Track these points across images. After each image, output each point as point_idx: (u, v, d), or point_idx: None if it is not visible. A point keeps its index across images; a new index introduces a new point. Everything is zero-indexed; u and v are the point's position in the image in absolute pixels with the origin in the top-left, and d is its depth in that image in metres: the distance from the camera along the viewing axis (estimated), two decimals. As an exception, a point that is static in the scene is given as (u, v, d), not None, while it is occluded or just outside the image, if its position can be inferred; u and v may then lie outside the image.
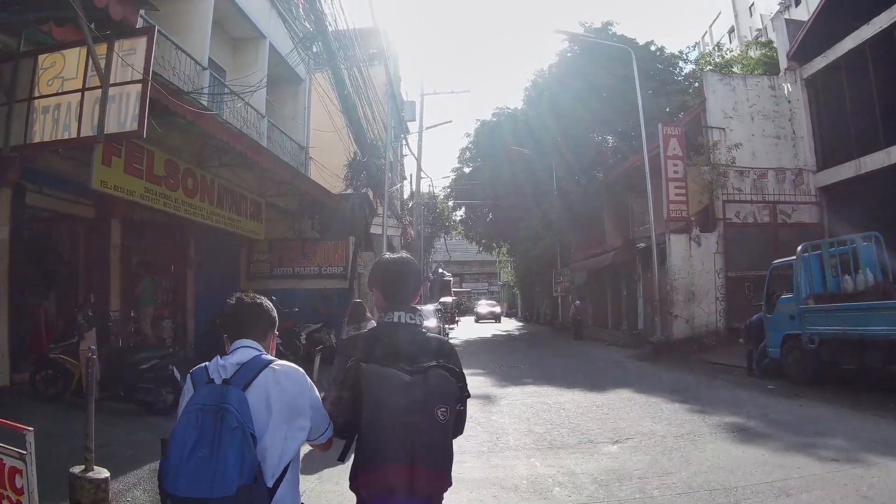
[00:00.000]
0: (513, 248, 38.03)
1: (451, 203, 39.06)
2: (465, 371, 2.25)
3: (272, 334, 2.31)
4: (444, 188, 38.74)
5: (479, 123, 34.17)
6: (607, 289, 26.65)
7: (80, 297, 10.66)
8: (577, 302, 28.47)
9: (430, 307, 24.21)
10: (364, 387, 2.02)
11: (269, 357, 2.17)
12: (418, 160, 30.18)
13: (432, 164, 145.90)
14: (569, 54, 30.91)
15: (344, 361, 2.20)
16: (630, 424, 8.27)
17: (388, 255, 2.60)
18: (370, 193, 17.39)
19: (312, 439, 2.20)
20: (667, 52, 32.28)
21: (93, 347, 5.77)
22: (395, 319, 2.31)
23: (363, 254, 18.43)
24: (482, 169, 33.02)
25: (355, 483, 2.12)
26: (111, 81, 5.05)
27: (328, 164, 16.65)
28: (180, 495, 1.84)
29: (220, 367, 2.08)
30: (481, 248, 41.09)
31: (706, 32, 54.21)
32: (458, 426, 2.21)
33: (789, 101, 20.42)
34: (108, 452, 5.94)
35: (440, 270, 53.85)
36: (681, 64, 33.95)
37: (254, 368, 2.07)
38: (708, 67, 26.85)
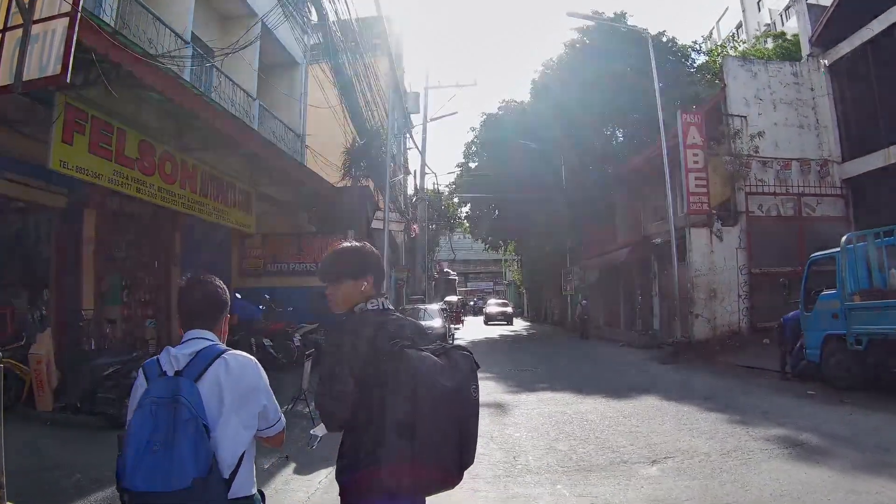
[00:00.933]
0: (520, 246, 36.86)
1: (455, 200, 37.94)
2: None
3: (223, 319, 2.28)
4: (447, 185, 37.70)
5: (484, 117, 33.07)
6: (620, 287, 25.53)
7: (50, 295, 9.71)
8: (584, 301, 28.04)
9: (435, 306, 23.15)
10: (411, 371, 1.93)
11: (221, 346, 2.16)
12: (422, 154, 29.11)
13: (437, 159, 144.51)
14: (578, 45, 29.88)
15: (338, 357, 2.10)
16: (666, 439, 7.19)
17: (366, 244, 2.46)
18: (371, 185, 16.36)
19: (262, 429, 2.17)
20: (678, 43, 31.19)
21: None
22: (381, 306, 2.27)
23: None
24: (488, 164, 31.91)
25: (357, 479, 2.02)
26: (35, 17, 4.01)
27: (326, 156, 15.57)
28: (138, 490, 1.86)
29: (173, 357, 2.07)
30: (487, 247, 39.86)
31: (713, 28, 53.09)
32: None
33: (812, 89, 19.34)
34: (46, 479, 4.91)
35: (445, 269, 52.88)
36: (693, 55, 32.95)
37: (206, 359, 2.06)
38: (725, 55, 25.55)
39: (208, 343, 2.12)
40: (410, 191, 31.94)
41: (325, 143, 15.78)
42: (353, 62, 14.38)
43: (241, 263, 15.04)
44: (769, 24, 42.28)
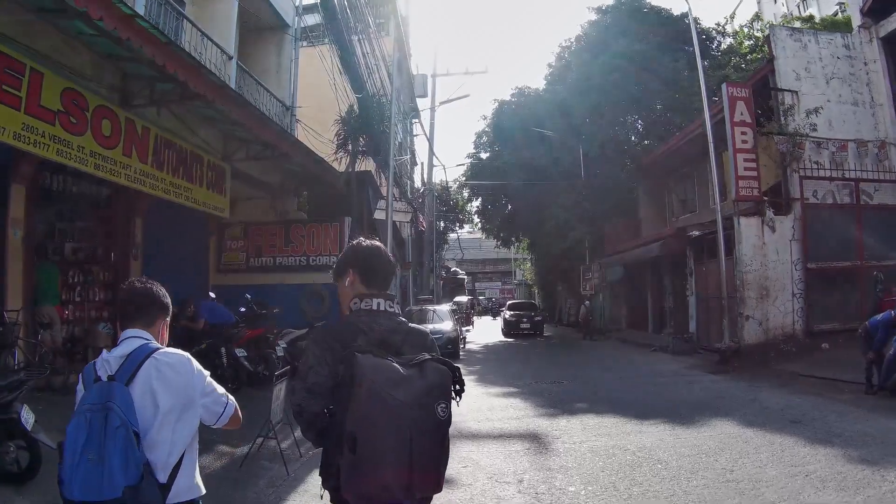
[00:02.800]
0: (534, 243, 34.46)
1: (465, 193, 35.74)
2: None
3: (163, 321, 2.23)
4: (456, 180, 35.54)
5: (496, 104, 30.92)
6: (647, 286, 23.30)
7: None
8: (587, 302, 26.74)
9: (445, 307, 21.05)
10: (360, 379, 1.82)
11: (154, 345, 2.10)
12: (430, 141, 27.05)
13: (445, 151, 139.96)
14: (597, 25, 27.81)
15: (318, 351, 2.02)
16: (783, 495, 5.04)
17: (361, 240, 2.32)
18: (373, 169, 14.23)
19: (210, 423, 2.16)
20: (701, 24, 28.98)
21: None
22: (375, 307, 2.12)
23: (365, 243, 15.28)
24: (501, 155, 29.67)
25: (338, 488, 1.90)
26: None
27: (321, 136, 13.40)
28: (75, 499, 1.86)
29: (105, 362, 2.05)
30: (499, 243, 37.45)
31: (727, 22, 50.90)
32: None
33: (865, 63, 17.19)
34: None
35: (453, 269, 50.78)
36: (718, 38, 30.81)
37: (136, 361, 2.02)
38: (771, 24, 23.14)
39: (141, 343, 2.08)
40: (418, 184, 29.84)
41: (321, 108, 13.60)
42: (354, 23, 12.35)
43: (219, 257, 12.94)
44: (786, 15, 40.28)
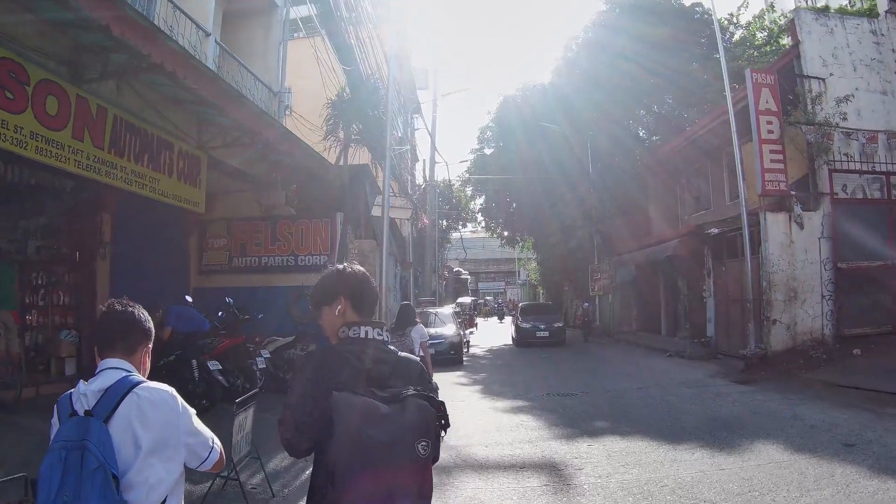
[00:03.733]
0: (539, 243, 33.28)
1: (468, 191, 34.62)
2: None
3: (145, 348, 2.10)
4: (459, 177, 34.41)
5: (501, 99, 29.78)
6: (660, 287, 22.19)
7: None
8: (586, 304, 26.03)
9: (447, 310, 20.00)
10: (336, 419, 1.77)
11: (136, 378, 1.97)
12: (432, 136, 26.02)
13: (447, 147, 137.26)
14: (607, 16, 26.68)
15: (305, 382, 1.93)
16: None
17: (346, 265, 2.23)
18: (369, 161, 13.18)
19: (195, 466, 2.05)
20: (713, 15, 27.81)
21: None
22: (363, 335, 2.03)
23: (360, 242, 14.19)
24: (505, 150, 28.54)
25: None
26: None
27: (312, 123, 12.33)
28: None
29: (82, 395, 1.91)
30: (503, 242, 36.25)
31: (740, 12, 49.71)
32: (434, 454, 1.90)
33: (893, 50, 16.15)
34: None
35: (455, 269, 49.70)
36: (731, 29, 29.69)
37: (115, 395, 1.88)
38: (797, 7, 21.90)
39: (122, 375, 1.95)
40: (420, 180, 28.79)
41: (314, 112, 12.61)
42: (348, 12, 11.29)
43: (201, 258, 11.89)
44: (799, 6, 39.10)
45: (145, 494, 1.83)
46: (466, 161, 32.31)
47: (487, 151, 30.57)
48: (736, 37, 29.43)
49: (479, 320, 45.94)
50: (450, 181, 36.58)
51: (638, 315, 24.77)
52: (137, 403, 1.87)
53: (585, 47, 26.89)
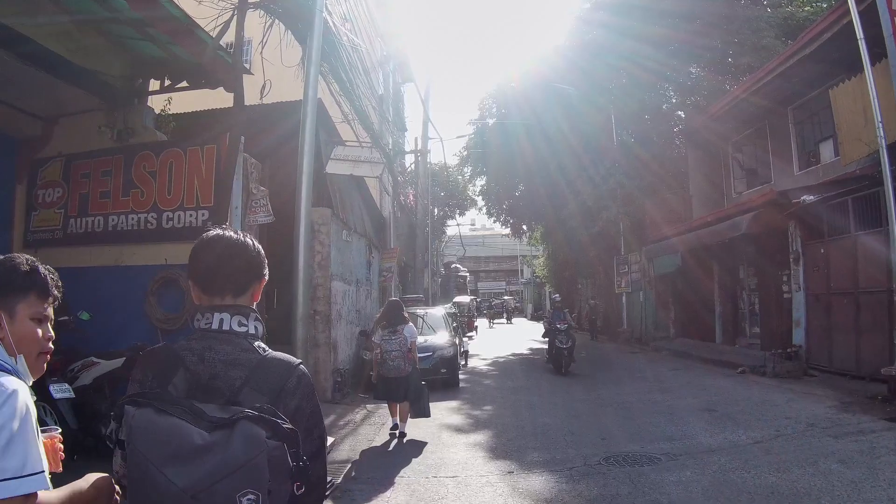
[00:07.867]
0: (550, 231, 28.38)
1: (467, 172, 29.84)
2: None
3: None
4: (456, 154, 29.72)
5: (507, 62, 25.07)
6: (714, 280, 17.47)
7: None
8: (592, 301, 24.54)
9: (438, 311, 15.22)
10: (129, 449, 1.19)
11: None
12: (425, 106, 21.40)
13: (445, 126, 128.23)
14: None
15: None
16: None
17: (214, 230, 1.51)
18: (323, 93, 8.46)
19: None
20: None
21: None
22: (216, 325, 1.41)
23: (317, 210, 9.45)
24: (512, 120, 23.76)
25: None
26: None
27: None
28: None
29: None
30: (508, 230, 31.29)
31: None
32: None
33: None
34: None
35: (454, 265, 45.04)
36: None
37: None
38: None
39: None
40: (409, 163, 24.11)
41: None
42: None
43: (28, 219, 7.16)
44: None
45: None
46: (464, 136, 27.58)
47: (490, 122, 25.81)
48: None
49: (488, 322, 41.24)
50: (445, 164, 31.95)
51: (677, 316, 19.99)
52: None
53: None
